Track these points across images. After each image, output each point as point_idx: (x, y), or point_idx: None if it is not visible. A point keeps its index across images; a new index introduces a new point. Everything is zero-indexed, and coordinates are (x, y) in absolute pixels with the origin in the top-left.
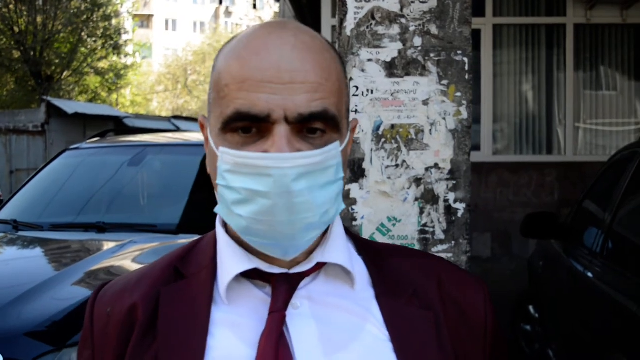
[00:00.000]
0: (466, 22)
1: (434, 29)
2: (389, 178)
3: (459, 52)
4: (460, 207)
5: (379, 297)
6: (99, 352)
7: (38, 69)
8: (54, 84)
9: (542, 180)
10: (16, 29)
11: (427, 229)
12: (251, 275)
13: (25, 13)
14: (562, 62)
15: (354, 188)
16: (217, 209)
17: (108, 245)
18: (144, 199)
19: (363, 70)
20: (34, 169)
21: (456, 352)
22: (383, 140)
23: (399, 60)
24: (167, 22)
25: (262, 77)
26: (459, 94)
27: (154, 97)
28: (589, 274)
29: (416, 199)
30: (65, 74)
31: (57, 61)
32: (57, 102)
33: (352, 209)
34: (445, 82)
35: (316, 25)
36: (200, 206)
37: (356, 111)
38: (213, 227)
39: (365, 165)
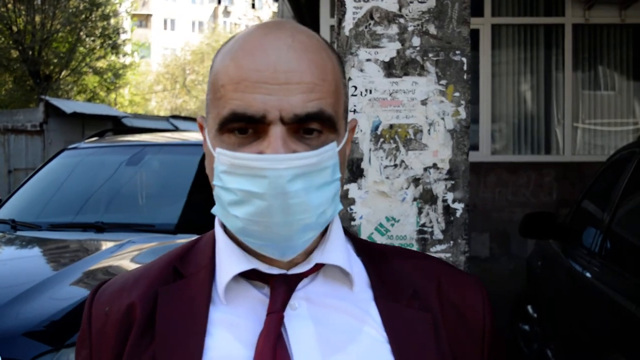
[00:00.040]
0: (465, 22)
1: (432, 29)
2: (387, 178)
3: (458, 52)
4: (459, 207)
5: (378, 299)
6: (97, 351)
7: (36, 68)
8: (52, 84)
9: (540, 180)
10: (14, 28)
11: (425, 229)
12: (250, 276)
13: (23, 12)
14: (560, 62)
15: (352, 188)
16: (214, 210)
17: (106, 245)
18: (143, 198)
19: (362, 70)
20: (32, 169)
21: (454, 354)
22: (381, 140)
23: (397, 60)
24: (165, 21)
25: (258, 78)
26: (457, 94)
27: (152, 97)
28: (588, 274)
29: (414, 199)
30: (63, 73)
31: (55, 60)
32: (55, 101)
33: (351, 209)
34: (443, 82)
35: (315, 25)
36: (198, 206)
37: (355, 111)
38: (211, 227)
39: (363, 165)
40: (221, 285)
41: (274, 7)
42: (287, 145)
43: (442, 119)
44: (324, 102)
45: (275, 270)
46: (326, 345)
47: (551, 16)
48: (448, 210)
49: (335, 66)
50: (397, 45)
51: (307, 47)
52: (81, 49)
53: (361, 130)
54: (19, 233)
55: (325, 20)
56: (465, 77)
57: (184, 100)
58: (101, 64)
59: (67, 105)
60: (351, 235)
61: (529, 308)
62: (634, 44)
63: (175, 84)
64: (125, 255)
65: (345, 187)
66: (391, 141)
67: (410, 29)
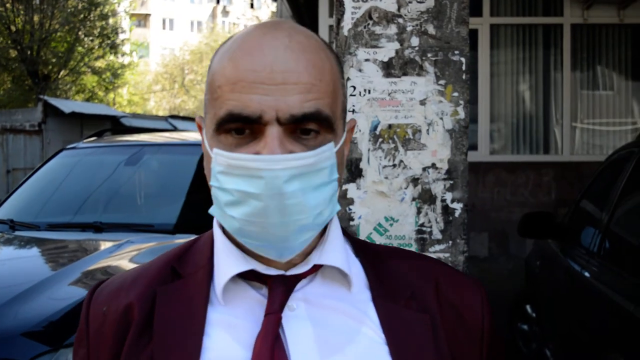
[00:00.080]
0: (463, 22)
1: (431, 29)
2: (386, 178)
3: (456, 52)
4: (458, 207)
5: (376, 300)
6: (94, 351)
7: (35, 68)
8: (50, 83)
9: (539, 179)
10: (13, 28)
11: (424, 229)
12: (248, 277)
13: (22, 12)
14: (559, 62)
15: (351, 188)
16: (211, 210)
17: (105, 245)
18: (141, 198)
19: (360, 70)
20: (30, 169)
21: (453, 355)
22: (380, 140)
23: (396, 60)
24: (164, 21)
25: (255, 78)
26: (456, 94)
27: (151, 97)
28: (586, 274)
29: (413, 199)
30: (62, 73)
31: (54, 60)
32: (54, 101)
33: (350, 209)
34: (442, 82)
35: (313, 25)
36: (197, 206)
37: (353, 111)
38: (210, 227)
39: (362, 165)
40: (219, 285)
41: (273, 7)
42: (284, 145)
43: (441, 118)
44: (321, 102)
45: (273, 271)
46: (324, 347)
47: (550, 16)
48: (447, 210)
49: (333, 66)
50: (396, 45)
51: (304, 47)
52: (80, 48)
53: (360, 130)
54: (17, 233)
55: (324, 20)
56: (464, 77)
57: (183, 100)
58: (100, 63)
59: (66, 105)
60: (349, 235)
61: (528, 308)
62: (633, 44)
63: (174, 83)
64: (124, 256)
65: (344, 187)
66: (390, 141)
67: (409, 29)
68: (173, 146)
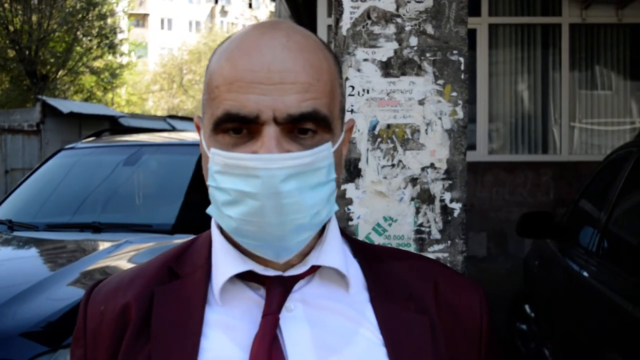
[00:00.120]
0: (462, 21)
1: (429, 29)
2: (385, 178)
3: (455, 51)
4: (456, 206)
5: (374, 301)
6: (92, 351)
7: (33, 68)
8: (49, 83)
9: (537, 179)
10: (11, 28)
11: (423, 228)
12: (246, 277)
13: (20, 12)
14: (557, 61)
15: (349, 188)
16: (209, 210)
17: (104, 245)
18: (140, 198)
19: (359, 70)
20: (29, 169)
21: (451, 356)
22: (379, 140)
23: (394, 60)
24: (162, 21)
25: (252, 78)
26: (454, 94)
27: (149, 97)
28: (585, 274)
29: (412, 199)
30: (60, 73)
31: (52, 60)
32: (52, 101)
33: (348, 209)
34: (441, 81)
35: (312, 25)
36: (196, 206)
37: (352, 111)
38: (209, 227)
39: (361, 165)
40: (217, 286)
41: (271, 6)
42: (281, 145)
43: (440, 118)
44: (318, 102)
45: (271, 272)
46: (322, 348)
47: (548, 16)
48: (446, 210)
49: (331, 66)
50: (395, 45)
51: (302, 47)
52: (78, 48)
53: (358, 130)
54: (15, 233)
55: (323, 20)
56: (462, 76)
57: (181, 100)
58: (98, 63)
59: (64, 105)
60: (348, 236)
61: (527, 307)
62: (631, 44)
63: (173, 83)
64: (123, 256)
65: (343, 187)
66: (388, 141)
67: (407, 28)
68: (171, 146)
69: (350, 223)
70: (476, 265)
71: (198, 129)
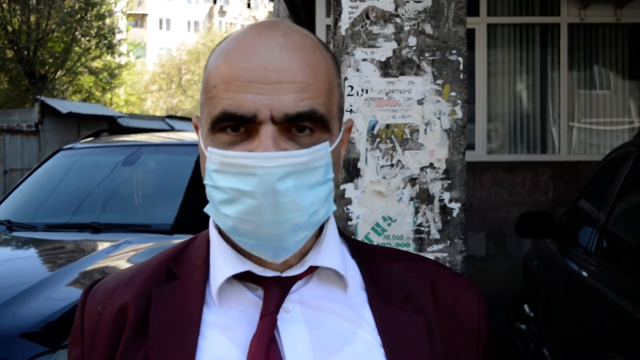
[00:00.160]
0: (461, 21)
1: (428, 29)
2: (384, 178)
3: (454, 51)
4: (456, 206)
5: (372, 301)
6: (89, 351)
7: (32, 68)
8: (47, 84)
9: (536, 179)
10: (9, 28)
11: (422, 228)
12: (243, 278)
13: (18, 12)
14: (556, 61)
15: (349, 188)
16: (206, 209)
17: (103, 246)
18: (139, 199)
19: (358, 70)
20: (27, 169)
21: (449, 356)
22: (378, 140)
23: (393, 59)
24: (161, 21)
25: (250, 77)
26: (453, 94)
27: (148, 97)
28: (584, 273)
29: (411, 199)
30: (59, 73)
31: (50, 60)
32: (50, 101)
33: (347, 209)
34: (440, 81)
35: (310, 25)
36: (194, 206)
37: (351, 111)
38: (207, 227)
39: (360, 165)
40: (215, 286)
41: (270, 6)
42: (278, 144)
43: (439, 118)
44: (316, 101)
45: (269, 273)
46: (319, 349)
47: (547, 15)
48: (445, 210)
49: (329, 65)
50: (393, 44)
51: (300, 47)
52: (76, 48)
53: (357, 130)
54: (14, 234)
55: (321, 20)
56: (461, 76)
57: (180, 100)
58: (97, 63)
59: (63, 106)
60: (346, 236)
61: (526, 307)
62: (630, 43)
63: (171, 83)
64: (122, 256)
65: (342, 187)
66: (387, 141)
67: (406, 28)
68: (170, 146)
69: (349, 223)
70: (475, 265)
71: (196, 128)
